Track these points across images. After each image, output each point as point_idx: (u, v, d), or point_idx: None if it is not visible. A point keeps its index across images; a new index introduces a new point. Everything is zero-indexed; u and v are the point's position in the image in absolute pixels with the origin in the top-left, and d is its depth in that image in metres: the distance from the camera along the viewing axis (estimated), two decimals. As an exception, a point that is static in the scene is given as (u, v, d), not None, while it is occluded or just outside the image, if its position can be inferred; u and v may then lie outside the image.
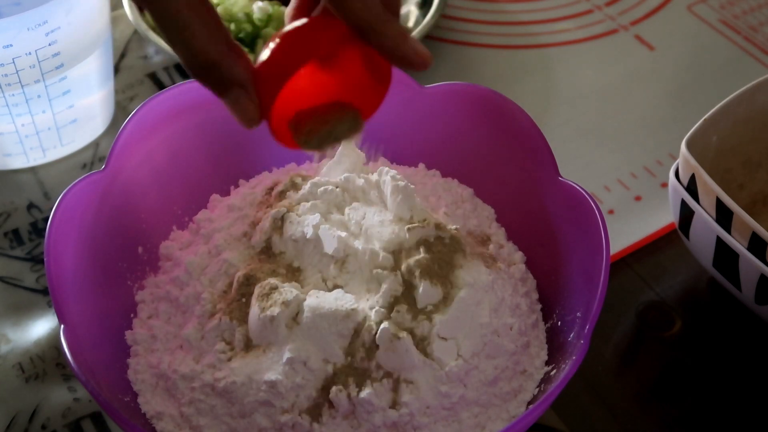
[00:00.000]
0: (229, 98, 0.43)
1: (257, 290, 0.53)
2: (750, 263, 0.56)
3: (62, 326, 0.49)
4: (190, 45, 0.41)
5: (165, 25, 0.41)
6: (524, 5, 0.88)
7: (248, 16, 0.78)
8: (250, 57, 0.75)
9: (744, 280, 0.58)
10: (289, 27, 0.44)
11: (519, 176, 0.60)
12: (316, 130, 0.47)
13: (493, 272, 0.55)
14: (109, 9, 0.71)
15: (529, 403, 0.52)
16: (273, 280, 0.53)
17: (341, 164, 0.59)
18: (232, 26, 0.77)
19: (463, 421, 0.51)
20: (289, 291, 0.52)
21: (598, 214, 0.53)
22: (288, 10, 0.47)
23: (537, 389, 0.53)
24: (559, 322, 0.55)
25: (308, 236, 0.54)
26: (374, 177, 0.57)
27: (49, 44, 0.64)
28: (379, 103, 0.48)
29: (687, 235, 0.61)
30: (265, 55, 0.43)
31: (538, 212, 0.58)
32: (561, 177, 0.57)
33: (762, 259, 0.56)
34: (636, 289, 0.65)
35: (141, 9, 0.80)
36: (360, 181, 0.57)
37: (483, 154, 0.62)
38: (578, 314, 0.53)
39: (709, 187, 0.58)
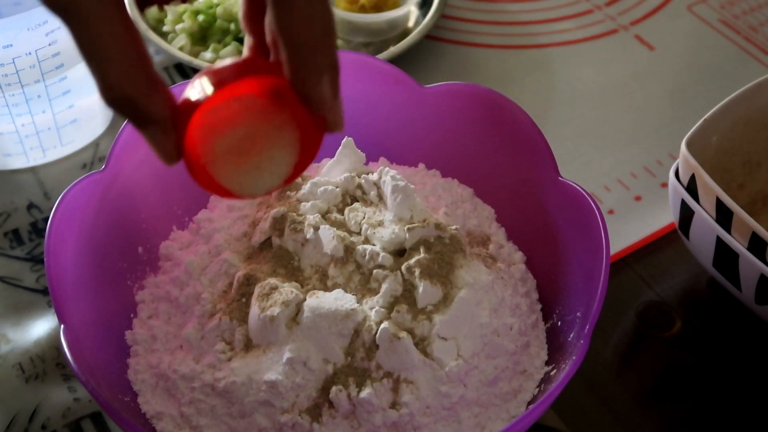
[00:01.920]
0: (146, 134, 0.41)
1: (257, 290, 0.53)
2: (750, 263, 0.56)
3: (62, 326, 0.49)
4: (106, 77, 0.38)
5: (83, 51, 0.39)
6: (524, 5, 0.88)
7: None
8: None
9: (744, 280, 0.58)
10: (217, 64, 0.42)
11: (519, 176, 0.60)
12: (249, 169, 0.44)
13: (493, 272, 0.55)
14: (109, 9, 0.70)
15: (529, 403, 0.52)
16: (273, 280, 0.53)
17: (341, 164, 0.59)
18: (232, 26, 0.77)
19: (463, 421, 0.51)
20: (289, 291, 0.52)
21: (598, 214, 0.53)
22: (240, 15, 0.45)
23: (537, 389, 0.53)
24: (559, 322, 0.55)
25: (308, 236, 0.54)
26: (374, 177, 0.57)
27: (49, 44, 0.64)
28: (311, 159, 0.45)
29: (687, 235, 0.61)
30: (187, 91, 0.41)
31: (538, 212, 0.58)
32: (561, 177, 0.57)
33: (762, 259, 0.56)
34: (636, 289, 0.65)
35: (141, 9, 0.80)
36: (360, 181, 0.57)
37: (483, 154, 0.62)
38: (578, 314, 0.53)
39: (709, 187, 0.58)
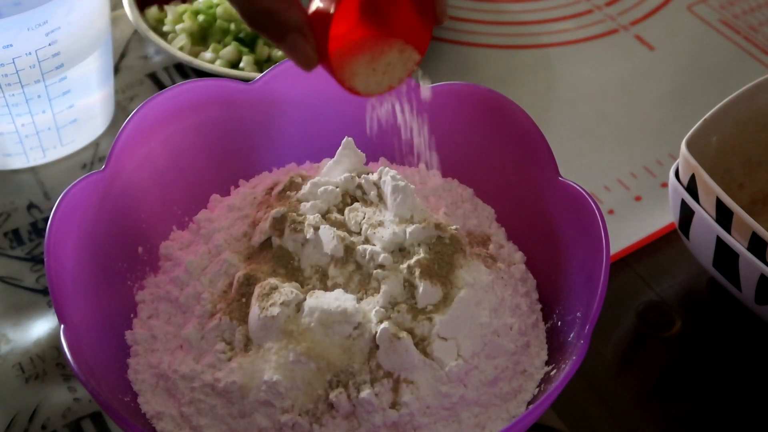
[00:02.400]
0: (287, 43, 0.44)
1: (257, 290, 0.53)
2: (750, 263, 0.56)
3: (62, 326, 0.49)
4: None
5: None
6: (524, 5, 0.88)
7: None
8: (249, 57, 0.75)
9: (744, 280, 0.58)
10: None
11: (519, 176, 0.60)
12: (372, 71, 0.49)
13: (493, 272, 0.55)
14: (109, 9, 0.71)
15: (529, 403, 0.52)
16: (273, 280, 0.53)
17: (341, 164, 0.59)
18: (232, 26, 0.77)
19: (463, 421, 0.51)
20: (289, 291, 0.52)
21: (598, 214, 0.53)
22: None
23: (537, 389, 0.53)
24: (559, 322, 0.55)
25: (308, 236, 0.54)
26: (374, 177, 0.57)
27: (49, 44, 0.64)
28: (428, 41, 0.49)
29: (687, 235, 0.61)
30: (314, 3, 0.45)
31: (538, 212, 0.58)
32: (561, 177, 0.57)
33: (762, 259, 0.56)
34: (636, 289, 0.65)
35: (141, 9, 0.80)
36: (360, 181, 0.57)
37: (483, 154, 0.62)
38: (578, 314, 0.53)
39: (709, 187, 0.58)
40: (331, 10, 0.44)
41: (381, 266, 0.53)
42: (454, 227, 0.55)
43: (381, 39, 0.49)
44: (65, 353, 0.48)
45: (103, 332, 0.54)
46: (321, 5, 0.45)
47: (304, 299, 0.52)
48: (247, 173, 0.63)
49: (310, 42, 0.45)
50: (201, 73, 0.75)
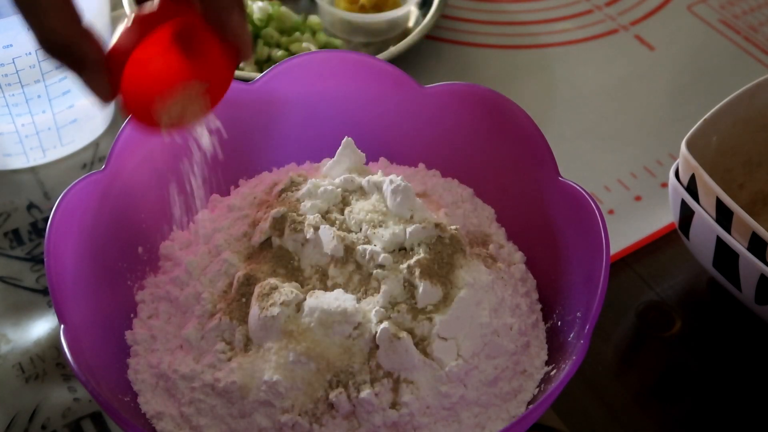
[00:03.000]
0: (83, 76, 0.45)
1: (257, 290, 0.53)
2: (750, 263, 0.56)
3: (62, 326, 0.49)
4: (43, 24, 0.43)
5: (21, 6, 0.44)
6: (524, 5, 0.88)
7: (248, 16, 0.78)
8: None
9: (744, 280, 0.58)
10: (140, 10, 0.46)
11: (519, 176, 0.60)
12: (167, 108, 0.49)
13: (493, 272, 0.55)
14: (109, 9, 0.71)
15: (529, 403, 0.52)
16: (273, 280, 0.53)
17: (341, 164, 0.59)
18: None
19: (463, 421, 0.51)
20: (289, 291, 0.52)
21: (598, 214, 0.53)
22: None
23: (537, 389, 0.53)
24: (559, 322, 0.55)
25: (308, 236, 0.54)
26: (374, 177, 0.57)
27: (49, 44, 0.64)
28: (230, 79, 0.50)
29: (687, 235, 0.61)
30: (115, 36, 0.46)
31: (538, 212, 0.58)
32: (561, 177, 0.57)
33: (762, 259, 0.56)
34: (636, 289, 0.65)
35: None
36: (360, 181, 0.57)
37: (483, 154, 0.62)
38: (578, 314, 0.53)
39: (709, 187, 0.58)
40: (129, 46, 0.45)
41: (381, 266, 0.53)
42: (454, 227, 0.55)
43: (178, 78, 0.49)
44: (65, 353, 0.48)
45: (103, 332, 0.54)
46: (122, 37, 0.45)
47: (304, 299, 0.52)
48: (247, 173, 0.63)
49: (104, 77, 0.45)
50: (201, 73, 0.75)
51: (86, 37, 0.44)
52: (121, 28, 0.46)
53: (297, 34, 0.78)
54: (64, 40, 0.44)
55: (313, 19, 0.80)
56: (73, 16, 0.44)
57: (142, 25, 0.46)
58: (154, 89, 0.48)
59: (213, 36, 0.47)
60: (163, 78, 0.48)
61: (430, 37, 0.82)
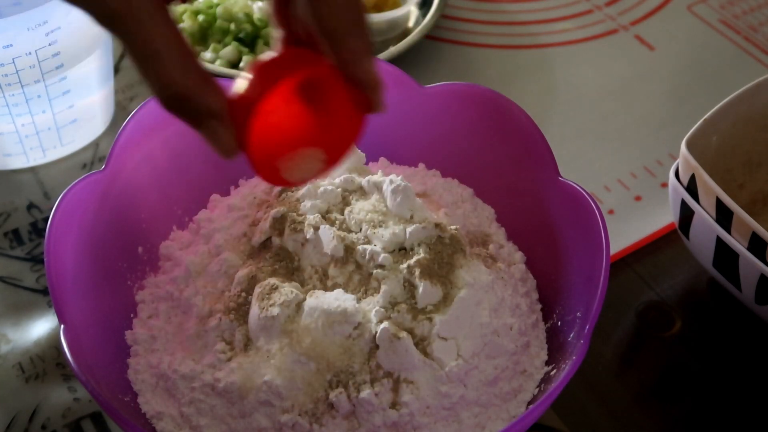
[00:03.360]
0: (205, 130, 0.42)
1: (257, 290, 0.53)
2: (750, 263, 0.56)
3: (62, 326, 0.49)
4: (161, 76, 0.40)
5: (135, 55, 0.40)
6: (524, 5, 0.88)
7: (248, 16, 0.78)
8: (249, 57, 0.75)
9: (744, 280, 0.58)
10: (263, 57, 0.43)
11: (519, 176, 0.60)
12: (291, 162, 0.46)
13: (493, 272, 0.55)
14: (109, 9, 0.70)
15: (529, 403, 0.52)
16: (273, 280, 0.53)
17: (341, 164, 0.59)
18: (232, 26, 0.77)
19: (463, 421, 0.51)
20: (289, 291, 0.52)
21: (598, 214, 0.53)
22: (269, 11, 0.46)
23: (537, 389, 0.53)
24: (559, 322, 0.55)
25: (308, 236, 0.54)
26: (374, 177, 0.57)
27: (49, 44, 0.64)
28: (350, 146, 0.46)
29: (687, 235, 0.61)
30: (238, 85, 0.42)
31: (538, 212, 0.58)
32: (561, 177, 0.57)
33: (762, 259, 0.56)
34: (636, 289, 0.65)
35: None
36: (360, 181, 0.57)
37: (483, 154, 0.62)
38: (578, 314, 0.53)
39: (709, 187, 0.58)
40: (256, 99, 0.41)
41: (381, 266, 0.53)
42: (454, 227, 0.55)
43: (306, 136, 0.46)
44: (65, 353, 0.48)
45: (103, 332, 0.54)
46: (247, 89, 0.42)
47: (304, 299, 0.52)
48: (247, 173, 0.63)
49: (228, 129, 0.42)
50: (201, 73, 0.75)
51: (209, 87, 0.41)
52: (245, 76, 0.42)
53: (297, 34, 0.78)
54: (184, 92, 0.40)
55: None
56: (194, 65, 0.40)
57: (269, 74, 0.42)
58: (280, 147, 0.45)
59: (341, 85, 0.43)
60: (290, 135, 0.45)
61: (430, 37, 0.82)
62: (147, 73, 0.40)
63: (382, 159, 0.64)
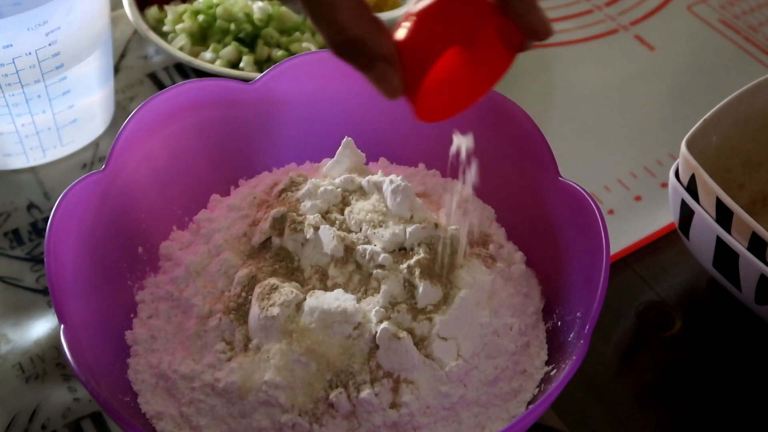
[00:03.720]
0: (375, 72, 0.44)
1: (257, 290, 0.53)
2: (750, 263, 0.56)
3: (62, 326, 0.49)
4: (336, 21, 0.42)
5: (310, 4, 0.42)
6: (524, 5, 0.88)
7: (248, 16, 0.78)
8: (249, 57, 0.75)
9: (744, 280, 0.58)
10: (428, 2, 0.44)
11: (519, 176, 0.60)
12: (443, 96, 0.48)
13: (493, 272, 0.55)
14: (109, 9, 0.71)
15: (529, 403, 0.52)
16: (273, 280, 0.53)
17: (341, 164, 0.59)
18: (232, 26, 0.77)
19: (463, 421, 0.51)
20: (289, 291, 0.52)
21: (598, 214, 0.53)
22: None
23: (537, 389, 0.53)
24: (559, 322, 0.55)
25: (308, 236, 0.54)
26: (374, 177, 0.57)
27: (49, 44, 0.64)
28: (504, 71, 0.49)
29: (687, 235, 0.61)
30: (404, 32, 0.44)
31: (538, 212, 0.58)
32: (561, 177, 0.57)
33: (762, 259, 0.56)
34: (636, 289, 0.65)
35: (141, 9, 0.80)
36: (360, 181, 0.57)
37: (483, 154, 0.61)
38: (578, 314, 0.53)
39: (709, 187, 0.58)
40: (432, 55, 0.43)
41: (381, 266, 0.53)
42: (454, 227, 0.55)
43: (462, 71, 0.48)
44: (65, 353, 0.48)
45: (103, 332, 0.54)
46: (415, 35, 0.44)
47: (304, 299, 0.52)
48: (247, 173, 0.63)
49: (398, 72, 0.44)
50: (201, 73, 0.75)
51: (381, 30, 0.43)
52: (405, 23, 0.44)
53: (297, 34, 0.78)
54: (358, 36, 0.42)
55: None
56: (364, 10, 0.42)
57: (435, 30, 0.44)
58: (438, 86, 0.47)
59: (499, 27, 0.45)
60: (446, 73, 0.47)
61: (430, 37, 0.82)
62: (320, 18, 0.42)
63: (382, 159, 0.64)
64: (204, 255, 0.57)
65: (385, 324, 0.50)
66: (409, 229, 0.53)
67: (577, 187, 0.55)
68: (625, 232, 0.68)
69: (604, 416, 0.59)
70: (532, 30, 0.46)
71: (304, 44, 0.77)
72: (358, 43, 0.42)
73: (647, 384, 0.60)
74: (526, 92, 0.79)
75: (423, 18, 0.44)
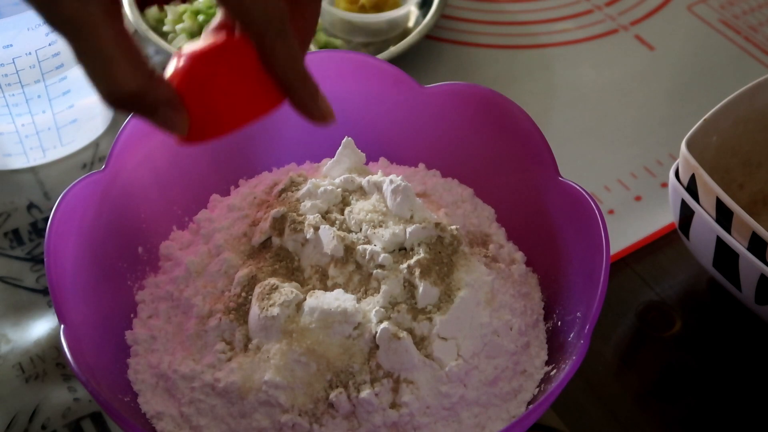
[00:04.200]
0: (159, 118, 0.43)
1: (257, 290, 0.53)
2: (750, 263, 0.56)
3: (62, 326, 0.49)
4: (114, 78, 0.41)
5: (88, 60, 0.41)
6: (524, 5, 0.88)
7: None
8: None
9: (744, 280, 0.58)
10: (196, 47, 0.45)
11: (519, 176, 0.60)
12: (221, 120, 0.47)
13: (493, 272, 0.55)
14: (109, 9, 0.70)
15: (529, 403, 0.52)
16: (273, 280, 0.53)
17: (341, 164, 0.59)
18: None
19: (463, 421, 0.51)
20: (289, 291, 0.52)
21: (598, 214, 0.53)
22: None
23: (537, 389, 0.53)
24: (559, 322, 0.55)
25: (308, 236, 0.54)
26: (374, 177, 0.57)
27: (49, 44, 0.64)
28: (268, 111, 0.47)
29: (687, 235, 0.61)
30: (173, 70, 0.44)
31: (538, 212, 0.58)
32: (561, 177, 0.57)
33: (762, 259, 0.56)
34: (636, 289, 0.65)
35: (141, 9, 0.80)
36: (360, 181, 0.57)
37: (483, 154, 0.62)
38: (578, 314, 0.53)
39: (709, 187, 0.58)
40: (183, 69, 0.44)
41: (381, 266, 0.53)
42: (454, 227, 0.55)
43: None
44: (65, 353, 0.48)
45: (103, 332, 0.54)
46: (175, 68, 0.44)
47: (304, 299, 0.52)
48: (247, 173, 0.63)
49: (182, 111, 0.44)
50: (201, 73, 0.75)
51: (158, 80, 0.42)
52: (175, 61, 0.45)
53: (297, 34, 0.78)
54: (138, 87, 0.41)
55: None
56: (140, 61, 0.41)
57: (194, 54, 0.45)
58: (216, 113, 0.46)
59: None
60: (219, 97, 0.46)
61: (430, 37, 0.82)
62: (98, 75, 0.41)
63: (382, 159, 0.64)
64: (204, 255, 0.57)
65: (385, 324, 0.50)
66: (409, 229, 0.53)
67: (577, 187, 0.55)
68: (625, 232, 0.68)
69: (604, 416, 0.59)
70: (309, 116, 0.47)
71: (304, 44, 0.77)
72: (138, 94, 0.42)
73: (647, 384, 0.60)
74: (526, 92, 0.79)
75: (179, 57, 0.45)
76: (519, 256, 0.59)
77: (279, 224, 0.55)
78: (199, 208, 0.61)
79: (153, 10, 0.80)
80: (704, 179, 0.58)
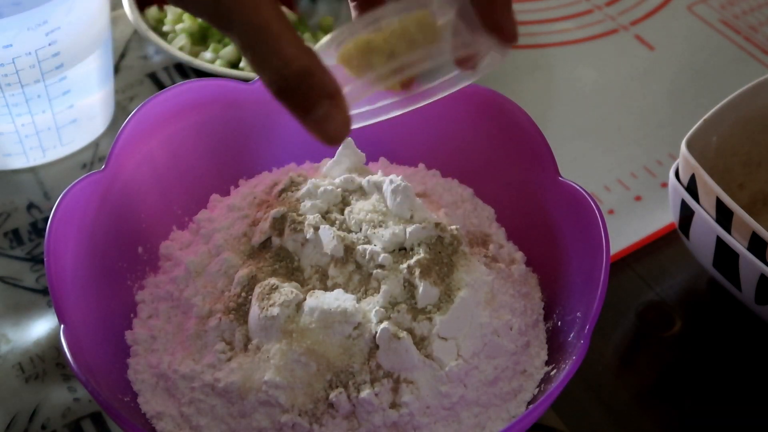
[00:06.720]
0: (316, 113, 0.40)
1: (257, 290, 0.53)
2: (750, 263, 0.56)
3: (62, 326, 0.49)
4: (284, 54, 0.38)
5: (253, 41, 0.38)
6: (524, 5, 0.88)
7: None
8: None
9: (744, 280, 0.58)
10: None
11: (519, 176, 0.60)
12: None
13: (493, 272, 0.55)
14: (109, 9, 0.71)
15: (529, 403, 0.52)
16: (273, 280, 0.53)
17: (341, 164, 0.59)
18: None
19: (463, 421, 0.51)
20: (289, 291, 0.52)
21: (598, 214, 0.53)
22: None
23: (537, 389, 0.53)
24: (559, 322, 0.55)
25: (308, 236, 0.54)
26: (374, 177, 0.57)
27: (49, 44, 0.64)
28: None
29: (687, 235, 0.61)
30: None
31: (538, 212, 0.58)
32: (561, 177, 0.57)
33: (762, 259, 0.56)
34: (636, 289, 0.65)
35: (141, 9, 0.80)
36: (360, 181, 0.57)
37: (483, 154, 0.62)
38: (578, 314, 0.53)
39: (709, 187, 0.58)
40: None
41: (381, 266, 0.53)
42: (454, 227, 0.55)
43: None
44: (65, 353, 0.48)
45: (103, 332, 0.54)
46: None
47: (304, 299, 0.52)
48: (247, 173, 0.63)
49: (344, 110, 0.40)
50: (201, 73, 0.75)
51: (324, 66, 0.39)
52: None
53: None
54: (306, 67, 0.38)
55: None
56: (302, 40, 0.39)
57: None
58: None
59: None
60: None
61: (430, 37, 0.82)
62: (267, 55, 0.39)
63: (382, 159, 0.64)
64: (204, 255, 0.57)
65: (385, 324, 0.50)
66: (409, 229, 0.53)
67: (577, 187, 0.55)
68: (625, 232, 0.68)
69: (604, 416, 0.59)
70: (497, 29, 0.45)
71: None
72: (307, 75, 0.39)
73: (647, 384, 0.60)
74: (526, 92, 0.79)
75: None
76: (519, 256, 0.59)
77: (279, 224, 0.55)
78: (199, 208, 0.61)
79: (153, 10, 0.80)
80: (704, 179, 0.58)
